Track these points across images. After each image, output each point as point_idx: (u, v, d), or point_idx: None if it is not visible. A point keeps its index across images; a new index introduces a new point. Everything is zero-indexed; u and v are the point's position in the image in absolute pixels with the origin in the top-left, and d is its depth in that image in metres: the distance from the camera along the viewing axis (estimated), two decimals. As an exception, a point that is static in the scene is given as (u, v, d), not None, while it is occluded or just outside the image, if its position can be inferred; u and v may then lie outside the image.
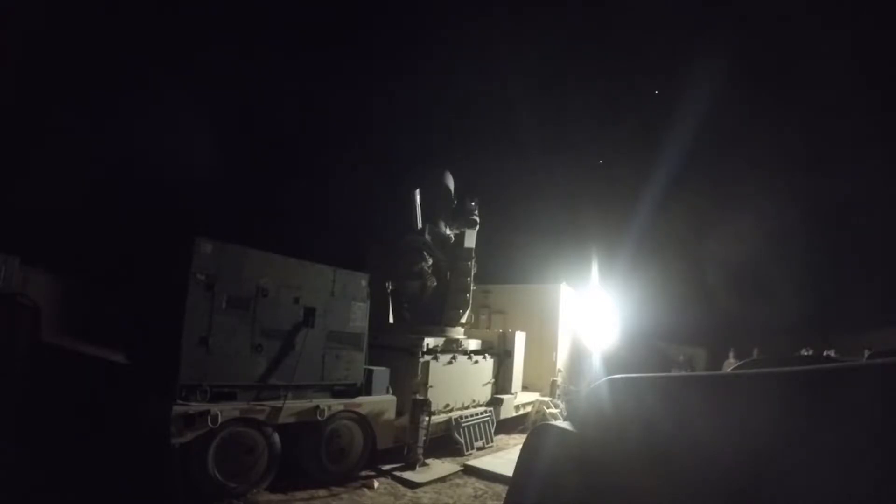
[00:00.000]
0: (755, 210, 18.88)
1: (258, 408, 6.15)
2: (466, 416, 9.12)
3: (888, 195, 17.91)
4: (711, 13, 18.73)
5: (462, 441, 8.76)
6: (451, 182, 10.65)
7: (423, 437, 7.69)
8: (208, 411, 5.59)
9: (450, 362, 9.10)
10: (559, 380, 12.20)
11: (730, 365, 13.89)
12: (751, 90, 19.98)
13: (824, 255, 18.64)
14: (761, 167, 19.91)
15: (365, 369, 7.63)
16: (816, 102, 18.45)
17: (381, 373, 7.87)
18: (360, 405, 7.32)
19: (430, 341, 8.87)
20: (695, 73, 18.04)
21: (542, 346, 12.26)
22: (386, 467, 7.49)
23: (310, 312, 6.83)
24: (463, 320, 10.25)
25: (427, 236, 9.88)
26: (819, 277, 18.41)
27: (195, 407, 5.59)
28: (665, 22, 19.00)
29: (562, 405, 11.43)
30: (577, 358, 13.58)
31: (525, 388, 11.49)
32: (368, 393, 7.58)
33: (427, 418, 7.73)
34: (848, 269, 18.88)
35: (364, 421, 7.35)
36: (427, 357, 8.64)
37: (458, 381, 9.28)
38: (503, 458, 8.44)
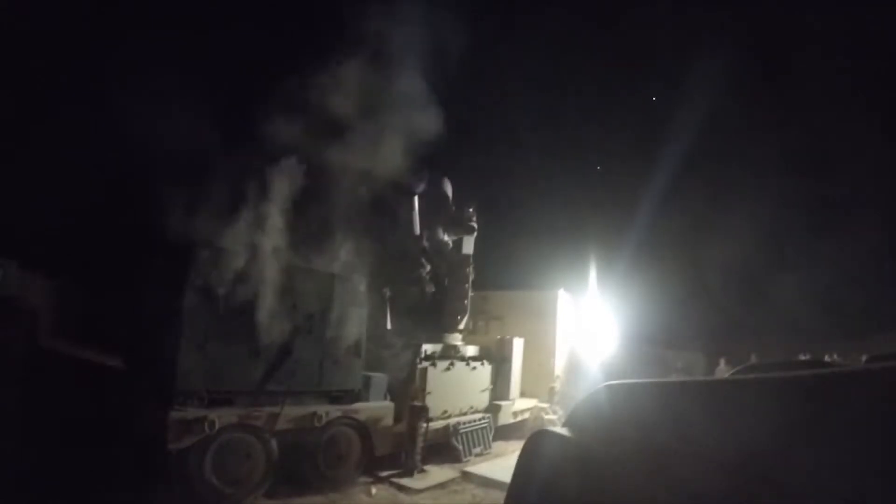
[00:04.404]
0: (754, 216, 18.96)
1: (256, 414, 6.13)
2: (464, 423, 9.10)
3: (887, 199, 17.99)
4: (711, 16, 18.85)
5: (460, 447, 8.73)
6: (449, 188, 10.67)
7: (421, 444, 7.67)
8: (205, 417, 5.58)
9: (448, 369, 9.08)
10: (557, 386, 12.18)
11: (721, 372, 13.89)
12: (748, 95, 20.09)
13: (823, 259, 18.69)
14: (760, 172, 19.99)
15: (363, 375, 7.62)
16: (816, 106, 18.55)
17: (379, 379, 7.86)
18: (357, 411, 7.30)
19: (428, 347, 8.85)
20: (693, 77, 18.16)
21: (539, 353, 12.23)
22: (384, 474, 7.46)
23: (308, 318, 6.83)
24: (461, 327, 10.24)
25: (425, 243, 9.89)
26: (817, 282, 18.46)
27: (192, 413, 5.58)
28: (664, 26, 19.12)
29: (560, 411, 11.41)
30: (576, 364, 13.55)
31: (523, 394, 11.47)
32: (366, 399, 7.57)
33: (425, 425, 7.71)
34: (846, 273, 18.93)
35: (362, 427, 7.33)
36: (425, 363, 8.62)
37: (456, 387, 9.26)
38: (501, 464, 8.41)
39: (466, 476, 7.85)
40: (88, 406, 6.62)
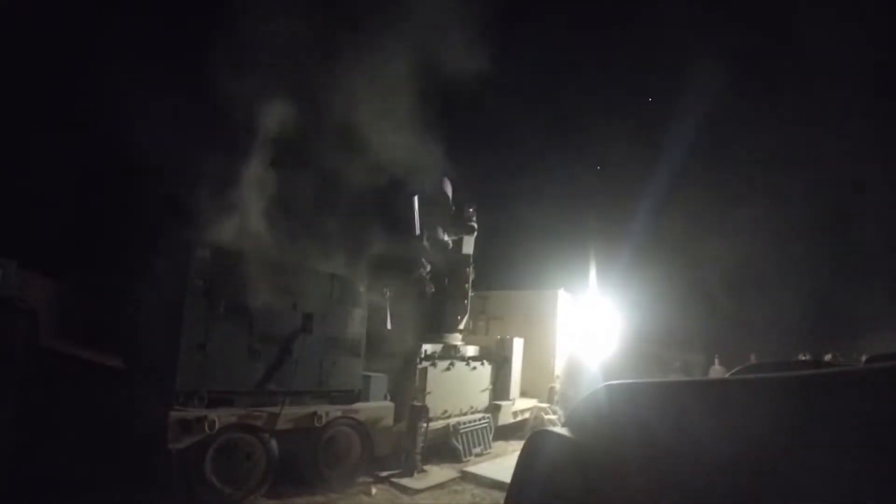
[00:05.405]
0: (754, 215, 18.96)
1: (256, 414, 6.13)
2: (464, 423, 9.10)
3: (887, 200, 17.98)
4: (712, 15, 18.84)
5: (460, 447, 8.73)
6: (449, 188, 10.67)
7: (421, 444, 7.67)
8: (206, 417, 5.58)
9: (448, 368, 9.08)
10: (557, 386, 12.18)
11: (716, 372, 13.88)
12: (749, 94, 20.09)
13: (823, 259, 18.69)
14: (759, 172, 20.00)
15: (363, 375, 7.61)
16: (814, 107, 18.55)
17: (379, 379, 7.86)
18: (357, 411, 7.30)
19: (428, 347, 8.85)
20: (693, 77, 18.15)
21: (540, 353, 12.24)
22: (384, 474, 7.46)
23: (308, 318, 6.83)
24: (461, 326, 10.24)
25: (425, 243, 9.88)
26: (817, 282, 18.45)
27: (192, 413, 5.58)
28: (665, 25, 19.11)
29: (560, 411, 11.41)
30: (575, 364, 13.55)
31: (523, 394, 11.47)
32: (366, 399, 7.57)
33: (425, 425, 7.71)
34: (846, 273, 18.94)
35: (362, 427, 7.33)
36: (425, 363, 8.62)
37: (456, 387, 9.26)
38: (501, 464, 8.41)
39: (466, 476, 7.85)
40: (88, 406, 6.62)
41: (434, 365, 8.78)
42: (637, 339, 16.72)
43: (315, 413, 6.67)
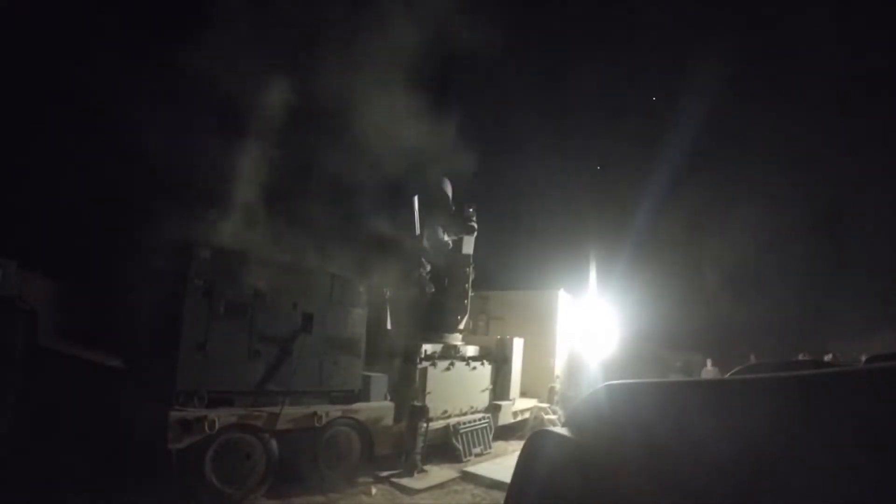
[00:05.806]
0: (753, 216, 18.96)
1: (256, 414, 6.13)
2: (464, 423, 9.10)
3: (885, 202, 17.98)
4: (712, 15, 18.84)
5: (460, 447, 8.73)
6: (449, 188, 10.67)
7: (421, 444, 7.67)
8: (206, 417, 5.58)
9: (448, 369, 9.08)
10: (557, 386, 12.17)
11: (708, 373, 13.87)
12: (749, 97, 20.09)
13: (822, 260, 18.68)
14: (759, 175, 19.99)
15: (363, 375, 7.61)
16: (813, 107, 18.55)
17: (379, 379, 7.85)
18: (357, 411, 7.30)
19: (428, 347, 8.85)
20: (693, 80, 18.15)
21: (540, 353, 12.23)
22: (384, 474, 7.46)
23: (308, 318, 6.83)
24: (461, 326, 10.24)
25: (425, 242, 9.88)
26: (817, 283, 18.45)
27: (193, 413, 5.58)
28: (665, 25, 19.12)
29: (560, 411, 11.41)
30: (575, 364, 13.56)
31: (523, 394, 11.47)
32: (366, 399, 7.56)
33: (425, 425, 7.71)
34: (846, 272, 18.93)
35: (362, 427, 7.33)
36: (425, 363, 8.62)
37: (456, 387, 9.26)
38: (501, 464, 8.41)
39: (466, 476, 7.85)
40: (88, 406, 6.61)
41: (434, 365, 8.78)
42: (637, 339, 16.72)
43: (315, 413, 6.67)
